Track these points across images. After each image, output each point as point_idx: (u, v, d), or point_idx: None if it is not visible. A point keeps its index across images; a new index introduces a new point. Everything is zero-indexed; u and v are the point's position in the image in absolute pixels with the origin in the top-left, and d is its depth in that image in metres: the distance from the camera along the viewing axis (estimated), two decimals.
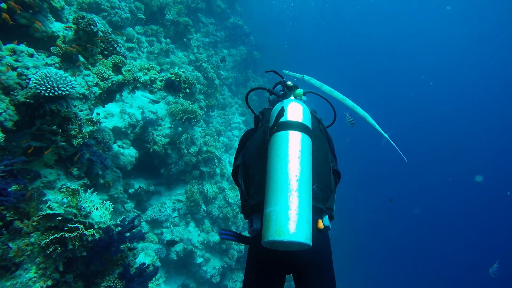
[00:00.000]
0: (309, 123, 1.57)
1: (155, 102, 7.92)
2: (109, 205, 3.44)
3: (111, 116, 6.42)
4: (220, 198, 9.01)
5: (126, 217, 5.31)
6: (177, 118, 7.81)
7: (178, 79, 4.80)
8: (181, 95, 4.91)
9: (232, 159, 11.79)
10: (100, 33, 4.21)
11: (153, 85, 4.60)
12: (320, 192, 1.54)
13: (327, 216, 1.55)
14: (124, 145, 6.52)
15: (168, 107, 7.99)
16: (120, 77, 4.33)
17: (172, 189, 8.63)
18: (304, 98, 1.96)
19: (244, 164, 1.73)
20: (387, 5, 40.33)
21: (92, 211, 3.16)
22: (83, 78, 3.97)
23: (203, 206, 8.42)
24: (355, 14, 41.70)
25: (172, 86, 4.60)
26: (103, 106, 4.50)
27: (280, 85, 2.17)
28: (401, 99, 39.46)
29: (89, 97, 3.96)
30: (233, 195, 9.20)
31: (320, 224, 1.44)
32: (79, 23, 3.92)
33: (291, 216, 1.25)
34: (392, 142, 2.51)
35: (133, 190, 7.08)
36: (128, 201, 6.82)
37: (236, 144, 12.45)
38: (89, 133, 3.91)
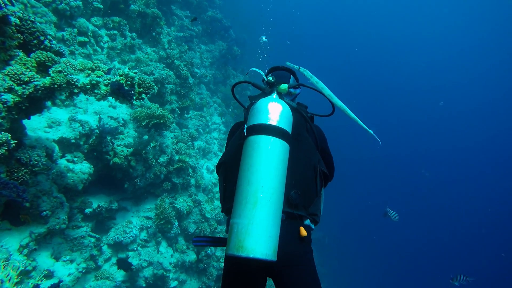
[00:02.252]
0: (287, 126, 1.45)
1: (115, 106, 6.82)
2: (20, 262, 2.42)
3: (57, 125, 5.30)
4: (196, 212, 8.02)
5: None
6: (143, 124, 6.75)
7: (129, 82, 3.77)
8: (137, 102, 3.91)
9: (210, 164, 10.81)
10: (15, 20, 3.13)
11: (96, 90, 3.56)
12: (299, 198, 1.44)
13: (308, 220, 1.49)
14: (75, 159, 5.42)
15: (132, 111, 6.91)
16: (47, 80, 3.27)
17: (140, 204, 7.58)
18: (297, 91, 1.87)
19: (224, 163, 1.67)
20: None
21: None
22: None
23: (176, 223, 7.42)
24: (342, 7, 41.28)
25: (120, 91, 3.57)
26: (28, 118, 3.44)
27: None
28: (397, 98, 39.61)
29: None
30: (211, 208, 8.24)
31: (303, 232, 1.40)
32: None
33: (252, 230, 1.21)
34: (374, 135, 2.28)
35: (90, 209, 6.00)
36: (83, 224, 5.75)
37: (215, 148, 11.46)
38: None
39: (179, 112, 8.95)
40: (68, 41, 5.92)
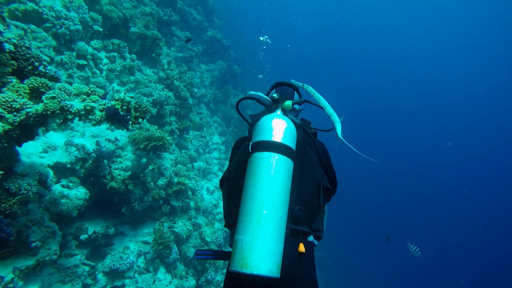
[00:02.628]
0: (291, 143, 1.47)
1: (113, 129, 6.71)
2: None
3: (53, 149, 5.17)
4: (196, 236, 7.77)
5: None
6: (141, 146, 6.62)
7: (125, 107, 3.66)
8: (133, 127, 3.79)
9: (210, 185, 10.61)
10: (9, 46, 3.06)
11: (90, 116, 3.44)
12: (303, 214, 1.43)
13: (312, 236, 1.47)
14: (70, 184, 5.26)
15: (131, 133, 6.80)
16: (40, 106, 3.16)
17: (138, 228, 7.35)
18: (301, 107, 1.89)
19: (228, 178, 1.66)
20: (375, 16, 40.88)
21: None
22: None
23: (175, 247, 7.16)
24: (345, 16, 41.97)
25: (116, 117, 3.45)
26: (19, 146, 3.30)
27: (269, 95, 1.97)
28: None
29: None
30: (211, 231, 7.98)
31: (301, 248, 1.37)
32: None
33: (256, 247, 1.20)
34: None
35: (86, 236, 5.80)
36: (77, 252, 5.53)
37: (215, 168, 11.29)
38: None
39: (178, 133, 8.84)
40: (67, 65, 5.88)
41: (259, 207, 1.26)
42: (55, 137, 5.41)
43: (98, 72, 6.80)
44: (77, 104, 3.59)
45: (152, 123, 7.81)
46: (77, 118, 3.46)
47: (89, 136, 6.03)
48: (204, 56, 14.32)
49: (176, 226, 7.48)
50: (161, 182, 7.17)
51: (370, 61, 42.53)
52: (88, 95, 3.75)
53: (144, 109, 3.96)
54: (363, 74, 41.84)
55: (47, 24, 5.84)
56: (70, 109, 3.35)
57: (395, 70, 42.70)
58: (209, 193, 10.31)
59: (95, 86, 3.83)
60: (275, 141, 1.41)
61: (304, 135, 1.67)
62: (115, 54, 7.78)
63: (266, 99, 1.83)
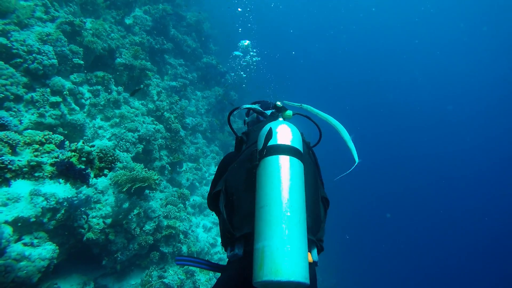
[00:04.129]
0: (300, 147, 1.46)
1: None
2: None
3: (15, 201, 4.47)
4: (189, 285, 6.89)
5: None
6: (124, 189, 5.92)
7: (84, 158, 2.99)
8: (95, 180, 3.12)
9: (207, 221, 9.80)
10: None
11: (37, 173, 2.77)
12: (311, 222, 1.42)
13: (316, 249, 1.43)
14: (35, 241, 4.51)
15: (113, 174, 6.11)
16: None
17: (124, 279, 6.52)
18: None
19: (226, 191, 1.55)
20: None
21: None
22: None
23: None
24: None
25: (70, 172, 2.78)
26: None
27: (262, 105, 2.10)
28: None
29: None
30: (206, 279, 7.11)
31: (310, 258, 1.33)
32: None
33: (288, 252, 1.12)
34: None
35: None
36: None
37: None
38: None
39: (170, 168, 8.16)
40: (38, 103, 5.30)
41: (284, 210, 1.21)
42: (20, 186, 4.73)
43: (77, 108, 6.22)
44: (26, 156, 2.93)
45: (139, 161, 7.15)
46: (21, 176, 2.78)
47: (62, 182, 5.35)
48: (199, 83, 13.89)
49: (166, 275, 6.64)
50: (148, 226, 6.41)
51: (369, 61, 42.37)
52: (41, 144, 3.10)
53: (110, 158, 3.29)
54: (362, 75, 41.62)
55: (18, 60, 5.32)
56: (10, 166, 2.68)
57: (394, 71, 42.48)
58: (206, 231, 9.47)
59: (51, 133, 3.18)
60: (289, 145, 1.40)
61: (304, 143, 1.66)
62: (99, 87, 7.24)
63: (275, 103, 1.84)
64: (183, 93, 11.57)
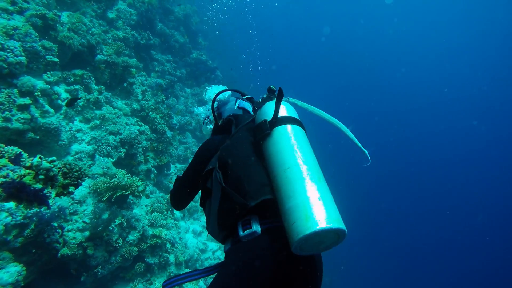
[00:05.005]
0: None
1: None
2: None
3: None
4: None
5: None
6: (104, 198, 5.45)
7: (42, 176, 2.53)
8: (55, 200, 2.66)
9: (197, 226, 9.37)
10: None
11: None
12: None
13: None
14: None
15: (92, 182, 5.63)
16: None
17: None
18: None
19: (224, 167, 1.50)
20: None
21: None
22: None
23: None
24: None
25: (22, 195, 2.32)
26: None
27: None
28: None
29: None
30: None
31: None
32: None
33: (324, 203, 1.17)
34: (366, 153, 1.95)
35: None
36: None
37: None
38: None
39: (156, 172, 7.69)
40: (3, 105, 4.76)
41: (308, 168, 1.28)
42: None
43: (51, 110, 5.69)
44: None
45: (121, 166, 6.66)
46: None
47: None
48: (189, 79, 13.34)
49: (152, 287, 6.22)
50: (132, 237, 5.96)
51: (368, 62, 42.07)
52: None
53: (76, 173, 2.83)
54: (361, 76, 41.34)
55: None
56: None
57: (391, 71, 42.32)
58: (196, 236, 9.05)
59: (3, 146, 2.70)
60: (294, 117, 1.53)
61: None
62: (77, 86, 6.70)
63: (270, 87, 1.87)
64: (171, 90, 11.04)
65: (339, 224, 1.12)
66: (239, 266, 1.25)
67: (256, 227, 1.30)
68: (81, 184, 2.92)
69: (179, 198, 1.77)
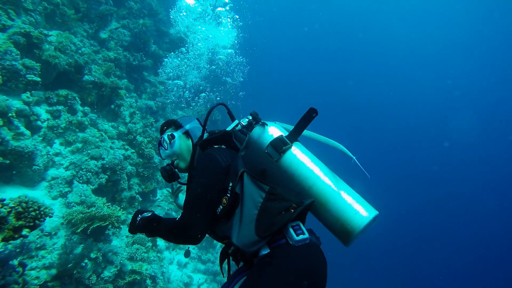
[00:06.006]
0: None
1: None
2: None
3: None
4: None
5: None
6: (79, 230, 4.95)
7: None
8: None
9: (181, 256, 8.76)
10: None
11: None
12: None
13: None
14: None
15: (67, 211, 5.15)
16: None
17: None
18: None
19: (259, 173, 1.66)
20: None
21: None
22: None
23: None
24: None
25: None
26: None
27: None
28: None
29: None
30: None
31: None
32: None
33: (358, 199, 1.49)
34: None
35: None
36: None
37: None
38: None
39: (141, 199, 7.20)
40: None
41: (334, 175, 1.57)
42: None
43: (27, 132, 5.28)
44: None
45: (102, 193, 6.19)
46: None
47: None
48: (181, 102, 13.08)
49: None
50: (108, 273, 5.41)
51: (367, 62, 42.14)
52: None
53: (34, 213, 2.42)
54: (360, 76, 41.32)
55: None
56: None
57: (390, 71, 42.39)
58: (180, 267, 8.45)
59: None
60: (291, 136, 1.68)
61: None
62: (60, 107, 6.34)
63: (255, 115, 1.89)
64: (162, 113, 10.73)
65: (375, 210, 1.45)
66: (299, 272, 1.27)
67: (304, 233, 1.39)
68: (40, 225, 2.50)
69: (202, 226, 1.46)
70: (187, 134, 1.91)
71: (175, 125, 1.95)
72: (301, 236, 1.36)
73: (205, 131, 1.90)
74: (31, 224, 2.39)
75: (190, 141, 1.88)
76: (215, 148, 1.70)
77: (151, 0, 12.01)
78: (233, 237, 1.45)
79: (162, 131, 1.95)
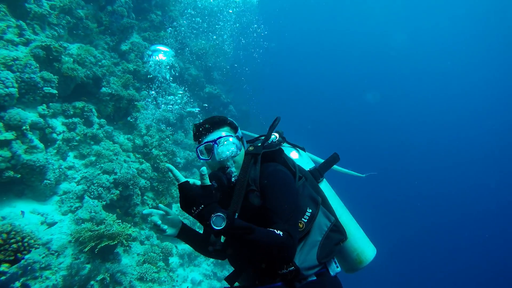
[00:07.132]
0: None
1: (51, 223, 4.91)
2: None
3: None
4: None
5: None
6: (86, 249, 4.74)
7: None
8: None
9: (197, 273, 8.42)
10: None
11: None
12: None
13: None
14: None
15: (76, 228, 4.97)
16: None
17: None
18: None
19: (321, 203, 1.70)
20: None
21: None
22: None
23: None
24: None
25: None
26: None
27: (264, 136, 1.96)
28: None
29: None
30: None
31: None
32: None
33: (364, 235, 1.81)
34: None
35: None
36: None
37: None
38: None
39: None
40: None
41: (346, 213, 1.81)
42: None
43: (41, 146, 5.19)
44: None
45: (114, 208, 6.01)
46: None
47: None
48: (200, 113, 12.99)
49: None
50: None
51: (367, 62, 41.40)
52: None
53: (15, 245, 2.18)
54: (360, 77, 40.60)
55: None
56: None
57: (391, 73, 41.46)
58: (194, 286, 8.09)
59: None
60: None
61: None
62: (76, 120, 6.29)
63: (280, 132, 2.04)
64: (179, 124, 10.62)
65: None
66: None
67: (337, 265, 1.62)
68: (23, 258, 2.26)
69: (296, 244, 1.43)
70: (242, 140, 1.77)
71: (231, 126, 1.73)
72: (338, 269, 1.58)
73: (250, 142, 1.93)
74: (11, 258, 2.13)
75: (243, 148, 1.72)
76: (281, 165, 1.67)
77: (172, 13, 12.10)
78: (295, 258, 1.46)
79: (214, 126, 1.67)
